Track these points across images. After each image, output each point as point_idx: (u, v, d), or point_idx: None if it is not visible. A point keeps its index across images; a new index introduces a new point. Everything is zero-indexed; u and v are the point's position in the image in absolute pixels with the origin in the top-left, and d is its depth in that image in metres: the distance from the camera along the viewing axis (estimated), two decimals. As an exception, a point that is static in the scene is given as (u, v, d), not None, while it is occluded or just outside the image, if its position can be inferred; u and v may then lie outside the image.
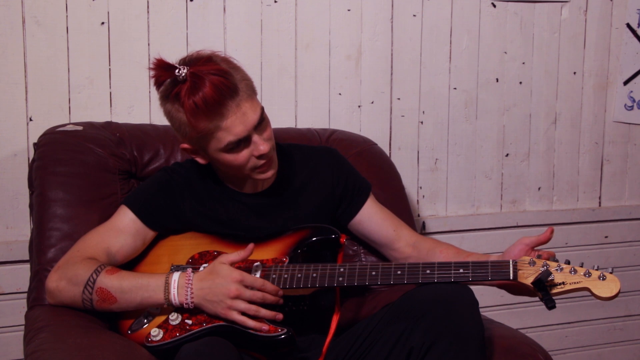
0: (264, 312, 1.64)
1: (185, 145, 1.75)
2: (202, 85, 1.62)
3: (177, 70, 1.66)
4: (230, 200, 1.84)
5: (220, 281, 1.63)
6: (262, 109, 1.72)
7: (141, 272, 1.78)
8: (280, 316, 1.65)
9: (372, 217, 1.94)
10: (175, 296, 1.65)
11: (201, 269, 1.74)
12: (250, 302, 1.64)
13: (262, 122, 1.72)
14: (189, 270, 1.68)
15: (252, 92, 1.71)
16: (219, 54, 1.72)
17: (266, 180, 1.82)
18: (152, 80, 1.71)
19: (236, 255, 1.67)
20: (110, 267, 1.70)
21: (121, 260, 1.77)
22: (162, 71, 1.68)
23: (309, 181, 1.90)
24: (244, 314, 1.64)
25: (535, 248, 1.71)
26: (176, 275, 1.66)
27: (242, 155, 1.71)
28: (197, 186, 1.84)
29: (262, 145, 1.70)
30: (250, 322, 1.63)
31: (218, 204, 1.83)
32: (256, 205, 1.85)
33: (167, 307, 1.69)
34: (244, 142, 1.69)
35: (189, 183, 1.84)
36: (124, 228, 1.78)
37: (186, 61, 1.69)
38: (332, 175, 1.93)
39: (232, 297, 1.62)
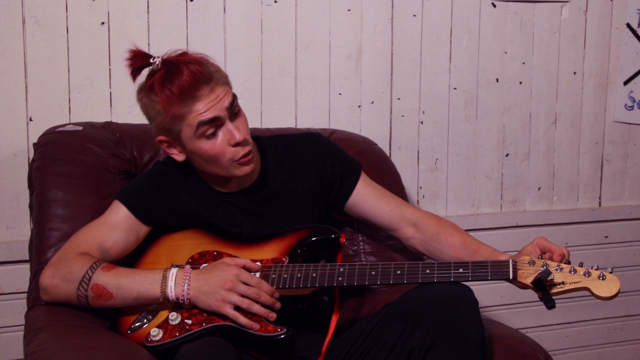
0: (257, 308, 1.64)
1: (161, 137, 1.75)
2: (176, 71, 1.66)
3: (152, 59, 1.69)
4: (220, 201, 1.84)
5: (218, 273, 1.65)
6: (236, 97, 1.73)
7: (139, 270, 1.79)
8: (273, 315, 1.65)
9: (366, 198, 1.93)
10: (172, 289, 1.65)
11: (201, 268, 1.74)
12: (245, 296, 1.64)
13: (237, 112, 1.73)
14: (188, 266, 1.69)
15: (226, 82, 1.74)
16: (194, 52, 1.75)
17: (248, 176, 1.81)
18: (129, 71, 1.72)
19: (242, 260, 1.69)
20: (106, 264, 1.70)
21: (115, 256, 1.77)
22: (138, 59, 1.71)
23: (295, 171, 1.89)
24: (238, 309, 1.64)
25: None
26: (174, 270, 1.68)
27: (219, 144, 1.70)
28: (191, 179, 1.84)
29: (237, 132, 1.70)
30: (242, 319, 1.63)
31: (211, 198, 1.84)
32: (244, 203, 1.84)
33: (163, 302, 1.68)
34: (218, 126, 1.69)
35: (183, 175, 1.84)
36: (117, 223, 1.78)
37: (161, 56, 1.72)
38: (318, 161, 1.91)
39: (226, 288, 1.63)
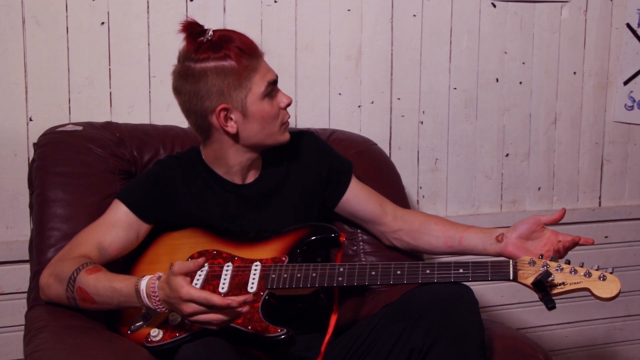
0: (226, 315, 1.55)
1: (223, 105, 1.74)
2: (234, 35, 1.75)
3: (205, 27, 1.75)
4: (224, 192, 1.84)
5: (175, 296, 1.54)
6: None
7: (139, 271, 1.78)
8: (246, 308, 1.54)
9: (357, 195, 1.97)
10: (148, 304, 1.61)
11: (161, 282, 1.63)
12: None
13: None
14: (155, 277, 1.61)
15: None
16: None
17: (253, 170, 1.84)
18: (185, 41, 1.75)
19: (185, 267, 1.54)
20: (92, 266, 1.67)
21: (115, 255, 1.77)
22: (193, 27, 1.75)
23: (296, 168, 1.91)
24: None
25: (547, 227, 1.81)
26: (143, 284, 1.60)
27: (275, 105, 1.78)
28: (191, 177, 1.84)
29: (284, 96, 1.80)
30: (214, 328, 1.57)
31: (212, 196, 1.84)
32: (248, 196, 1.85)
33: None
34: (275, 90, 1.79)
35: (183, 174, 1.84)
36: (116, 222, 1.77)
37: None
38: (318, 159, 1.93)
39: (187, 314, 1.55)
